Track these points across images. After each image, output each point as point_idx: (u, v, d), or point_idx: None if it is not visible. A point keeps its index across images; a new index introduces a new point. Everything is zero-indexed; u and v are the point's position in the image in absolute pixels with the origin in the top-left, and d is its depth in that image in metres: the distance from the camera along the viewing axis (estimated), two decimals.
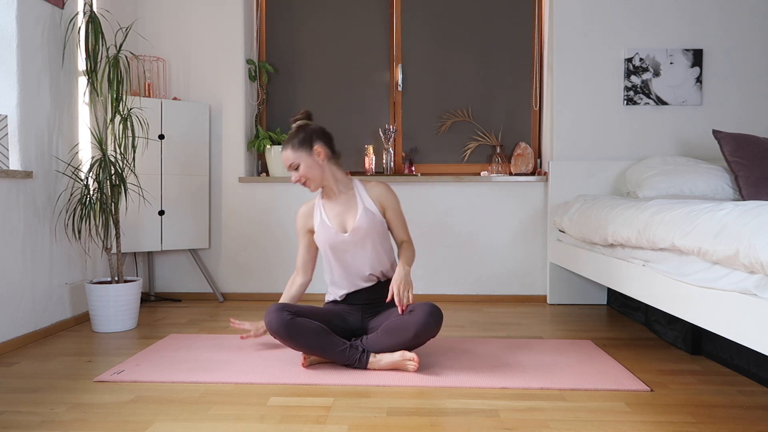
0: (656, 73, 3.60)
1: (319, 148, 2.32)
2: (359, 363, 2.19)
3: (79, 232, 2.87)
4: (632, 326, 3.02)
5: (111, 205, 2.91)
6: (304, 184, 2.34)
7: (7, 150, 2.56)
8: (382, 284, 2.40)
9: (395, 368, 2.19)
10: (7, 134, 2.56)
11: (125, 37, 3.07)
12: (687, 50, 3.60)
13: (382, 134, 3.82)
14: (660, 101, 3.61)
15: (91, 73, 2.98)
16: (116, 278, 2.95)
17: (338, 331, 2.33)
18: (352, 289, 2.38)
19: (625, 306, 3.29)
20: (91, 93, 3.03)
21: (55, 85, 2.88)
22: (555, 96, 3.65)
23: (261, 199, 3.77)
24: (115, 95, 2.93)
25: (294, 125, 2.40)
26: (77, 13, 3.04)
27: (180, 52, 3.75)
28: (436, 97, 3.92)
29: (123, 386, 2.04)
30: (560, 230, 3.44)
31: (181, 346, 2.55)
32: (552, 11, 3.67)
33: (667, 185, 3.10)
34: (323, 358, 2.24)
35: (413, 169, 3.83)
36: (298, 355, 2.39)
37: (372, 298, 2.39)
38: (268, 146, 3.69)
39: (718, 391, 1.99)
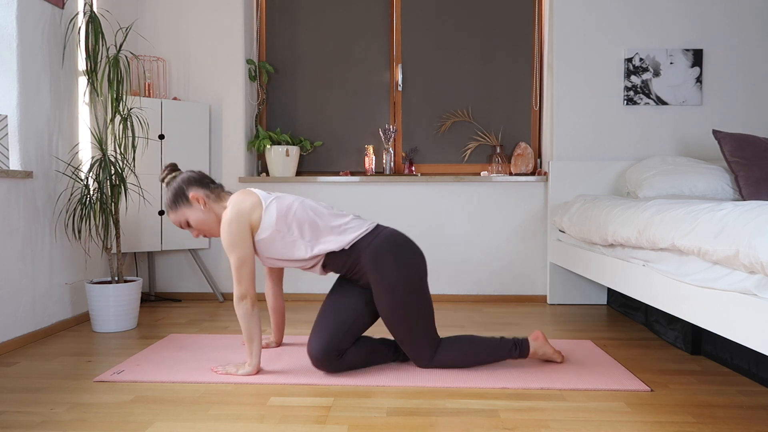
0: (656, 73, 3.60)
1: (194, 194, 2.19)
2: (521, 352, 2.25)
3: (79, 232, 2.87)
4: (632, 326, 3.02)
5: (111, 205, 2.91)
6: (205, 235, 2.25)
7: (7, 150, 2.56)
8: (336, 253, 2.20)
9: (547, 359, 2.31)
10: (7, 134, 2.56)
11: (125, 37, 3.07)
12: (687, 50, 3.60)
13: (382, 134, 3.82)
14: (660, 101, 3.61)
15: (91, 73, 2.98)
16: (116, 278, 2.95)
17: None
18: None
19: (625, 306, 3.29)
20: (91, 93, 3.03)
21: (55, 85, 2.88)
22: (555, 96, 3.65)
23: None
24: (115, 95, 2.93)
25: (164, 185, 2.27)
26: (77, 13, 3.04)
27: (180, 52, 3.75)
28: (436, 97, 3.92)
29: (123, 386, 2.04)
30: (560, 230, 3.44)
31: (181, 346, 2.55)
32: (552, 11, 3.67)
33: (667, 185, 3.10)
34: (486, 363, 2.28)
35: (413, 169, 3.83)
36: (298, 355, 2.39)
37: (341, 270, 2.25)
38: (268, 146, 3.69)
39: (718, 391, 1.99)
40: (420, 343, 2.17)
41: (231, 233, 2.08)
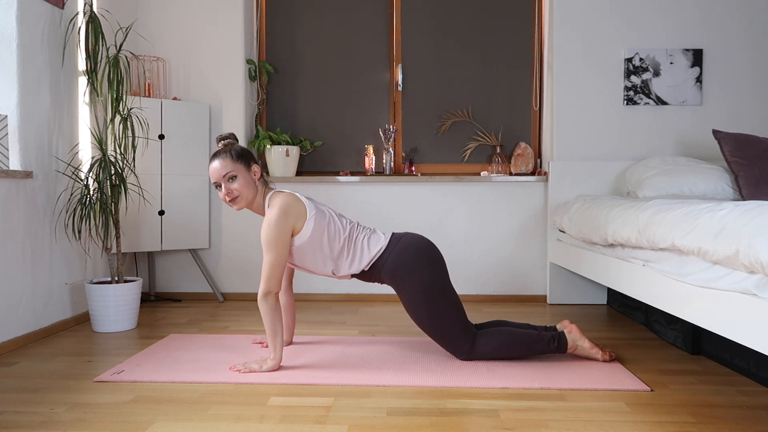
0: (656, 73, 3.60)
1: (256, 167, 2.25)
2: (560, 346, 2.28)
3: (79, 232, 2.87)
4: (632, 326, 3.02)
5: (111, 205, 2.91)
6: (233, 200, 2.20)
7: (7, 150, 2.56)
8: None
9: (588, 356, 2.32)
10: (7, 134, 2.56)
11: (125, 37, 3.07)
12: (687, 50, 3.60)
13: (382, 134, 3.82)
14: (660, 101, 3.61)
15: (91, 73, 2.98)
16: (116, 278, 2.95)
17: None
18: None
19: (625, 306, 3.29)
20: (91, 93, 3.03)
21: (55, 85, 2.88)
22: (555, 96, 3.65)
23: None
24: (115, 95, 2.93)
25: (223, 142, 2.26)
26: (77, 13, 3.04)
27: (180, 52, 3.75)
28: (436, 97, 3.92)
29: (123, 386, 2.04)
30: (560, 230, 3.44)
31: (181, 346, 2.55)
32: (552, 11, 3.67)
33: (667, 185, 3.10)
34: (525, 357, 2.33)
35: (413, 169, 3.83)
36: (297, 355, 2.39)
37: (368, 281, 2.38)
38: (268, 146, 3.69)
39: (718, 391, 1.99)
40: (455, 339, 2.27)
41: (274, 234, 2.14)
